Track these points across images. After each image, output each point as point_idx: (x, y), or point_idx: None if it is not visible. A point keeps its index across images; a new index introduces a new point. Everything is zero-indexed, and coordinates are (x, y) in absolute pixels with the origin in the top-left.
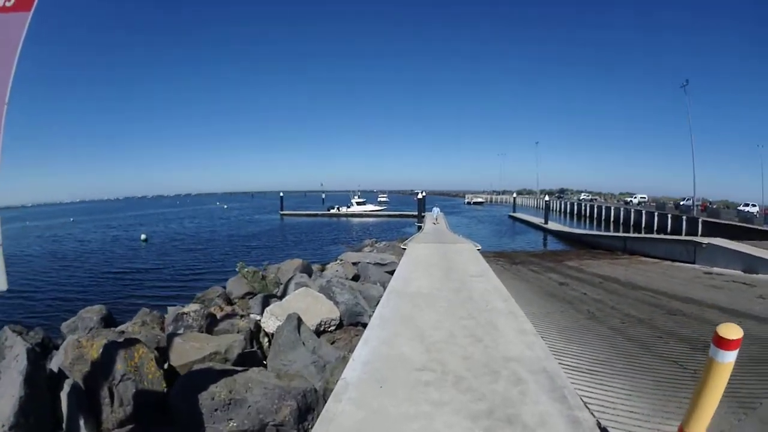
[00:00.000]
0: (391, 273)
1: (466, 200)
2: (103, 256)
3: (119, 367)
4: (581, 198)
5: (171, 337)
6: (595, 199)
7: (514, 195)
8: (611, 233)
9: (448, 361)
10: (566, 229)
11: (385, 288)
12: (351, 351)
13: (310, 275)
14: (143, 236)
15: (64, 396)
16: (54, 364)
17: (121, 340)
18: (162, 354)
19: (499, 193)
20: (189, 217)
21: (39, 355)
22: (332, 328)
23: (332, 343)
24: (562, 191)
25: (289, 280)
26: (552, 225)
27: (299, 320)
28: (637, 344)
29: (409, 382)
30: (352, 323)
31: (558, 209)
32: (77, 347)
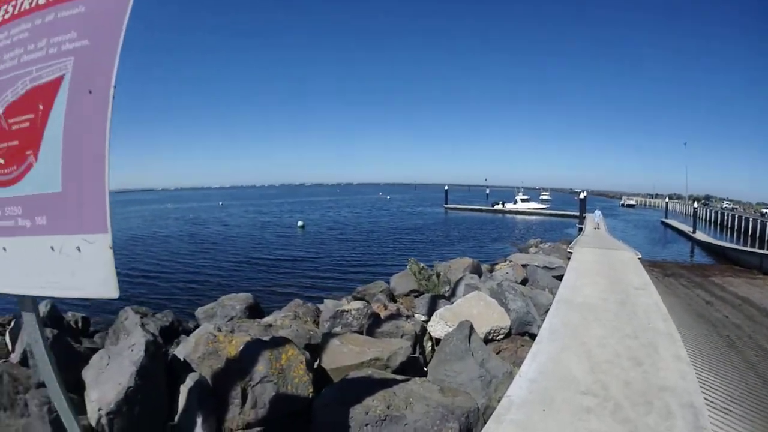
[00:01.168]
0: (558, 278)
1: (621, 202)
2: (253, 241)
3: (260, 368)
4: (723, 207)
5: (327, 337)
6: (736, 209)
7: (666, 200)
8: (748, 248)
9: (610, 385)
10: (712, 240)
11: (553, 295)
12: (516, 363)
13: (479, 275)
14: (300, 223)
15: (184, 389)
16: (180, 352)
17: (267, 338)
18: (313, 353)
19: (652, 196)
20: (349, 207)
21: (160, 346)
22: (500, 337)
23: (497, 353)
24: (707, 198)
25: (459, 280)
26: (699, 235)
27: (471, 328)
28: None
29: (572, 407)
30: (520, 332)
31: (704, 217)
32: (211, 342)
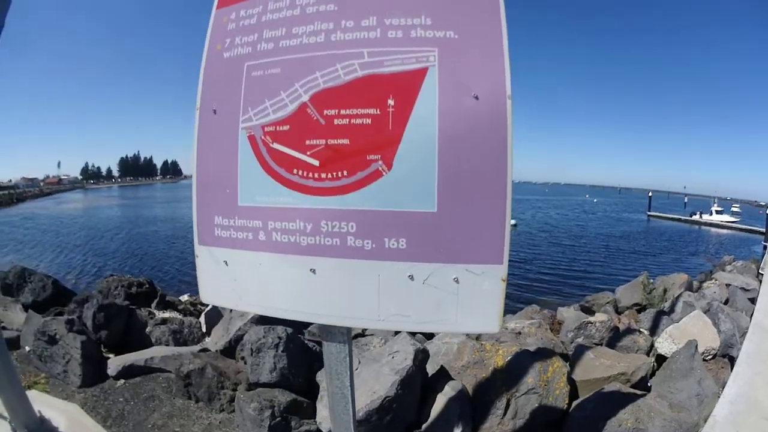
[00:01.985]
0: (752, 300)
1: None
2: None
3: (530, 380)
4: None
5: (581, 349)
6: None
7: None
8: None
9: None
10: None
11: (749, 317)
12: (717, 383)
13: (692, 291)
14: (513, 221)
15: (442, 397)
16: (434, 356)
17: (533, 349)
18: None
19: None
20: (557, 207)
21: (426, 354)
22: (710, 357)
23: None
24: None
25: (678, 297)
26: None
27: (696, 348)
28: None
29: (758, 430)
30: (722, 354)
31: None
32: (478, 351)
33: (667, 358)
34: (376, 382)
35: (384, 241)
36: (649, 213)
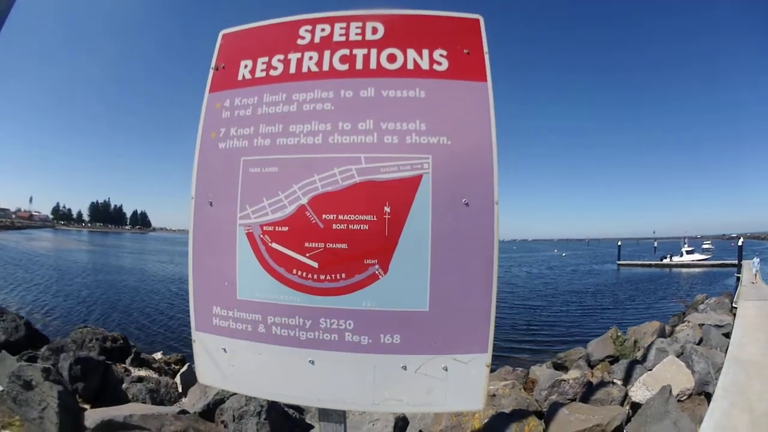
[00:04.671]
0: (726, 335)
1: None
2: None
3: None
4: None
5: (556, 406)
6: None
7: None
8: None
9: None
10: None
11: (723, 353)
12: (694, 420)
13: (664, 337)
14: None
15: None
16: (413, 420)
17: (509, 411)
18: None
19: None
20: (527, 265)
21: (406, 422)
22: (685, 398)
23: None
24: None
25: (651, 345)
26: None
27: (671, 392)
28: None
29: None
30: (699, 392)
31: None
32: (455, 415)
33: (642, 404)
34: None
35: (380, 337)
36: (618, 262)
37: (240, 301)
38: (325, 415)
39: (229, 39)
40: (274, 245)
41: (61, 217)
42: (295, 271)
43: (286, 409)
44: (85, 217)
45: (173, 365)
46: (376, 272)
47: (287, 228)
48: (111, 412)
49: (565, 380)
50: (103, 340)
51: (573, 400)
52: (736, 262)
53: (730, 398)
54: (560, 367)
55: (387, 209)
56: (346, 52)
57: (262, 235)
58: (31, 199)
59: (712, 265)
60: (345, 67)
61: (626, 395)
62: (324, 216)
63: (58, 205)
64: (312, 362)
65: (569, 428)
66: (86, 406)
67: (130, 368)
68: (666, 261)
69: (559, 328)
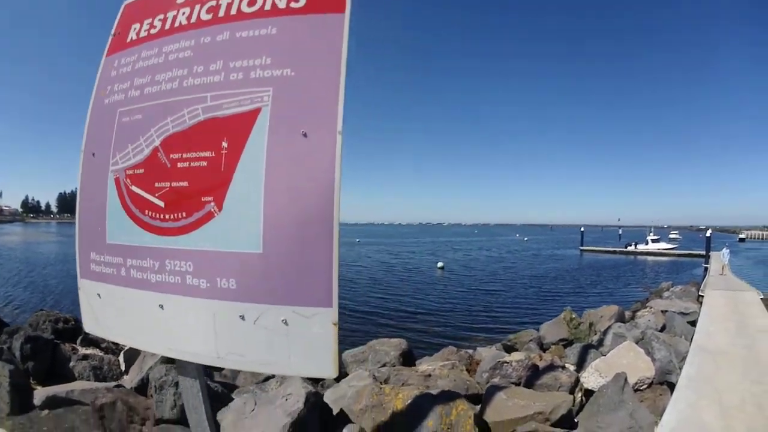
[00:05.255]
0: (692, 323)
1: (740, 236)
2: (393, 281)
3: (430, 423)
4: None
5: (493, 390)
6: None
7: None
8: None
9: (736, 431)
10: None
11: (689, 341)
12: (655, 413)
13: (623, 322)
14: (440, 264)
15: None
16: (328, 397)
17: (435, 392)
18: (472, 403)
19: None
20: (488, 248)
21: (320, 397)
22: (644, 387)
23: (640, 402)
24: None
25: (607, 329)
26: None
27: (626, 380)
28: None
29: None
30: (660, 381)
31: None
32: (377, 394)
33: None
34: (268, 424)
35: (217, 281)
36: (581, 248)
37: (108, 245)
38: (182, 368)
39: (129, 8)
40: (134, 188)
41: (30, 209)
42: (147, 212)
43: (209, 382)
44: (54, 209)
45: (120, 344)
46: (212, 210)
47: (143, 170)
48: (54, 389)
49: (507, 362)
50: (56, 321)
51: (517, 384)
52: (704, 252)
53: (696, 389)
54: (510, 349)
55: (225, 144)
56: (213, 3)
57: (125, 180)
58: (0, 194)
59: (679, 255)
60: (209, 16)
61: (577, 381)
62: (171, 155)
63: (27, 198)
64: (162, 307)
65: (506, 414)
66: (38, 387)
67: (78, 347)
68: (631, 248)
69: (517, 312)
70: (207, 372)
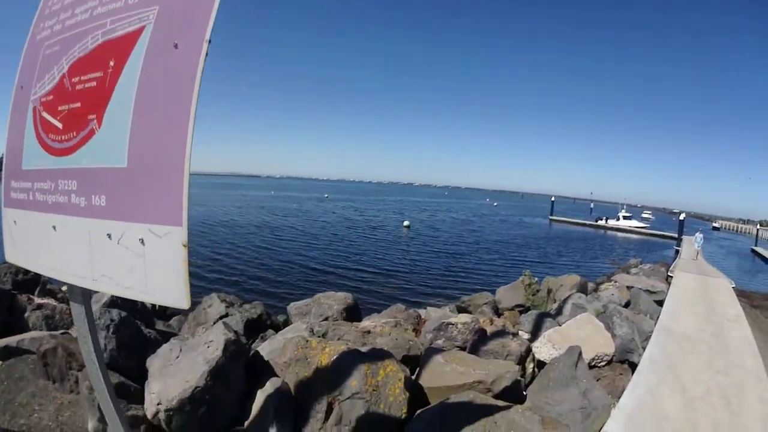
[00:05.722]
0: (659, 303)
1: (714, 225)
2: (356, 237)
3: (354, 383)
4: None
5: (430, 352)
6: None
7: (758, 227)
8: None
9: (700, 425)
10: None
11: (654, 321)
12: (613, 394)
13: (585, 294)
14: (406, 223)
15: (262, 395)
16: (264, 348)
17: (365, 349)
18: (411, 365)
19: (744, 222)
20: (456, 210)
21: (241, 346)
22: (603, 363)
23: (597, 380)
24: None
25: (567, 299)
26: None
27: (580, 355)
28: None
29: None
30: (621, 360)
31: None
32: (302, 347)
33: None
34: (190, 371)
35: (92, 198)
36: (551, 217)
37: (23, 171)
38: (71, 293)
39: None
40: (44, 113)
41: None
42: (50, 135)
43: (143, 328)
44: None
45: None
46: (94, 127)
47: (52, 97)
48: (6, 340)
49: (452, 324)
50: (16, 273)
51: (462, 348)
52: (676, 235)
53: (658, 373)
54: (463, 311)
55: (112, 63)
56: None
57: (39, 107)
58: None
59: (651, 234)
60: None
61: (529, 351)
62: (73, 79)
63: None
64: (54, 228)
65: (442, 380)
66: None
67: (35, 298)
68: (601, 223)
69: (478, 276)
70: (149, 320)
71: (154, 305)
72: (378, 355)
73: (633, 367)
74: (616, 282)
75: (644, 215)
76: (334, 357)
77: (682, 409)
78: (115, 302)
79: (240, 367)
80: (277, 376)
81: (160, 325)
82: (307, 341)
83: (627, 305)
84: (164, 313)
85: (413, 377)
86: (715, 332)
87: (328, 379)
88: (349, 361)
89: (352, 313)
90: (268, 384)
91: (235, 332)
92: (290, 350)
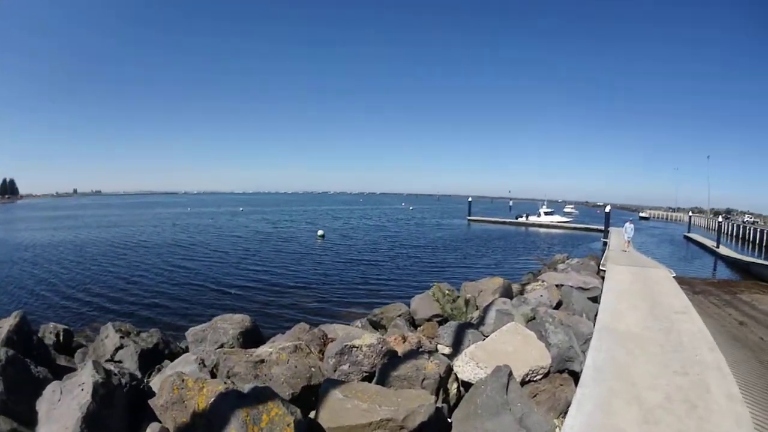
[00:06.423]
0: (594, 300)
1: (641, 214)
2: (268, 250)
3: (232, 430)
4: (744, 220)
5: (328, 386)
6: (756, 222)
7: (690, 214)
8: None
9: None
10: (736, 255)
11: (592, 321)
12: (554, 409)
13: (511, 298)
14: (320, 232)
15: None
16: (156, 383)
17: (248, 389)
18: (314, 397)
19: (674, 210)
20: (371, 217)
21: (113, 388)
22: (539, 377)
23: (533, 397)
24: (728, 212)
25: (489, 305)
26: (723, 249)
27: (510, 375)
28: None
29: None
30: (560, 370)
31: (726, 231)
32: (178, 388)
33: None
34: (69, 417)
35: None
36: (469, 218)
37: None
38: None
39: None
40: None
41: None
42: None
43: (32, 367)
44: None
45: None
46: None
47: None
48: None
49: (356, 347)
50: None
51: (370, 373)
52: (602, 228)
53: (606, 383)
54: (377, 325)
55: None
56: None
57: None
58: None
59: (575, 228)
60: None
61: (450, 370)
62: None
63: None
64: None
65: (344, 419)
66: None
67: None
68: (521, 220)
69: (396, 284)
70: (46, 356)
71: (58, 338)
72: (261, 395)
73: (575, 376)
74: (543, 281)
75: (567, 209)
76: (212, 399)
77: (641, 422)
78: (11, 339)
79: (118, 412)
80: (157, 419)
81: (62, 360)
82: (183, 380)
83: (558, 306)
84: (69, 346)
85: (313, 414)
86: (663, 327)
87: (206, 424)
88: (227, 403)
89: (251, 337)
90: (148, 429)
91: (107, 372)
92: (166, 391)
